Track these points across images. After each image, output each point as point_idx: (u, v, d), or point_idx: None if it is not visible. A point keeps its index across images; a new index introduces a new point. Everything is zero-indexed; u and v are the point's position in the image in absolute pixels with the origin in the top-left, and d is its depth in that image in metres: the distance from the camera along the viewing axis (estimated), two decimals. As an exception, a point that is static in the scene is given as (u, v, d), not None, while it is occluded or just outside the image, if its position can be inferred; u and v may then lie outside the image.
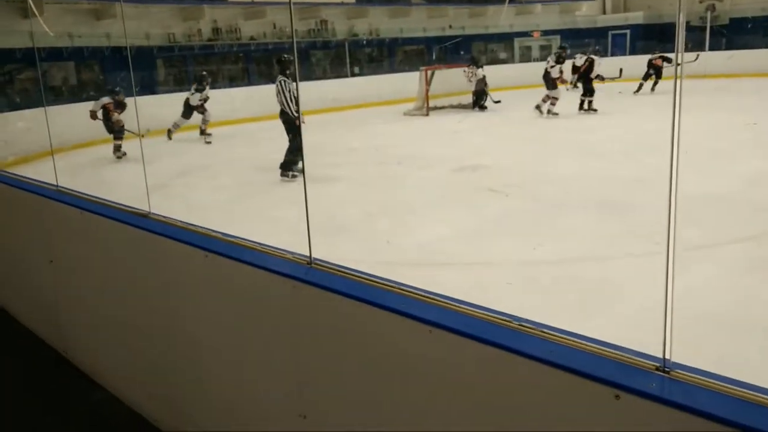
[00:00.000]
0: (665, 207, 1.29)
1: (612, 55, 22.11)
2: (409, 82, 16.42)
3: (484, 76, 15.47)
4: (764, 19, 20.32)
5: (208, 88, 12.88)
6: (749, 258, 4.52)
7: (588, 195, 6.52)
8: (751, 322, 3.53)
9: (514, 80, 19.80)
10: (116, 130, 10.80)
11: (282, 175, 8.22)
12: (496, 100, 15.60)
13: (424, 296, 1.70)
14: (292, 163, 8.19)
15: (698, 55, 15.91)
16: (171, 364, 2.68)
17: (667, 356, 1.27)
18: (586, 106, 13.61)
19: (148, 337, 2.79)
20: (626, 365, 1.30)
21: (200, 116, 12.82)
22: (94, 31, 15.14)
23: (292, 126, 8.27)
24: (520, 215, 6.00)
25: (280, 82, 8.25)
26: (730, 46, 20.31)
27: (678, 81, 1.26)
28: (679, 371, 1.25)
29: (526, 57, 23.94)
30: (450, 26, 23.13)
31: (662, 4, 22.72)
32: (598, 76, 13.68)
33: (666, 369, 1.26)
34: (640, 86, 16.59)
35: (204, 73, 13.47)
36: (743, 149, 8.56)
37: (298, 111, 8.12)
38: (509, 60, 23.56)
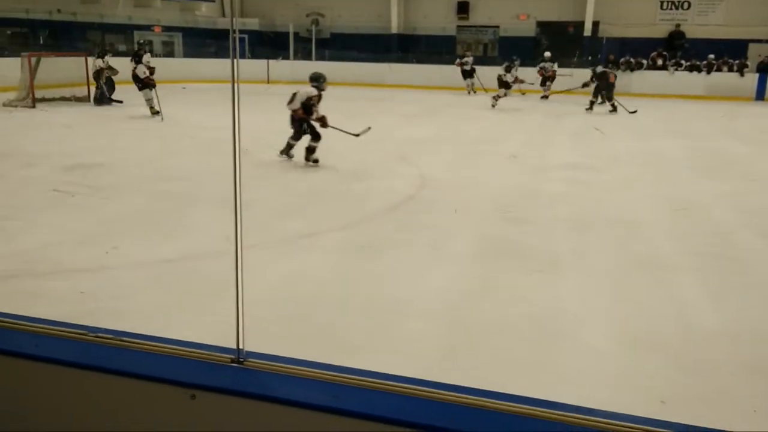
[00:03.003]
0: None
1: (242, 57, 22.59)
2: (7, 68, 14.23)
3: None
4: (358, 37, 23.26)
5: None
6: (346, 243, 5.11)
7: (208, 192, 6.52)
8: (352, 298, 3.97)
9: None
10: None
11: None
12: None
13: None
14: None
15: None
16: None
17: (241, 346, 1.29)
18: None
19: None
20: (202, 362, 1.29)
21: None
22: None
23: None
24: (140, 216, 5.70)
25: None
26: (333, 58, 22.79)
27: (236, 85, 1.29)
28: (253, 360, 1.29)
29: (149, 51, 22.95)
30: (59, 10, 20.80)
31: (274, 14, 24.22)
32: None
33: (240, 360, 1.29)
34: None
35: None
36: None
37: None
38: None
